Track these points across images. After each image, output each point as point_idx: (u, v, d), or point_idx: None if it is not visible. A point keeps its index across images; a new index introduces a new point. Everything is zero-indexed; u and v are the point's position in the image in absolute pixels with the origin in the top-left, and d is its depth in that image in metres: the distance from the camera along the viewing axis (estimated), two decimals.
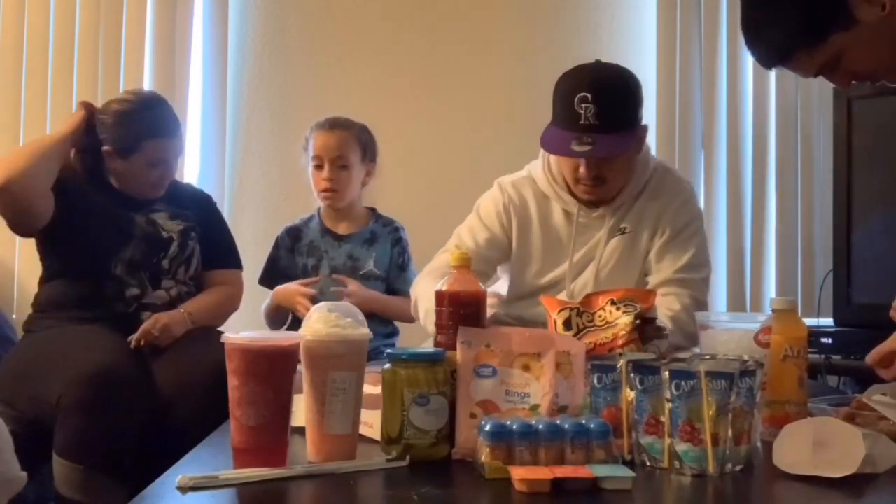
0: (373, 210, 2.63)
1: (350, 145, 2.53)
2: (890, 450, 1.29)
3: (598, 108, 1.99)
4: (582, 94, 2.01)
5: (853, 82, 1.68)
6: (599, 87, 2.03)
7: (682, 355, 1.44)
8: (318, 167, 2.53)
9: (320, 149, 2.52)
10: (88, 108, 2.43)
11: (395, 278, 2.58)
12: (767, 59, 1.69)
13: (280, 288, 2.53)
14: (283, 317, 2.55)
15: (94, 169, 2.44)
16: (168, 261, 2.42)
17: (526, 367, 1.39)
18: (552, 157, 2.18)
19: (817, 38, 1.57)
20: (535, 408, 1.37)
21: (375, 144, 2.62)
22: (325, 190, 2.52)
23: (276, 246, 2.62)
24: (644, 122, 2.16)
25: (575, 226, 2.17)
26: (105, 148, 2.42)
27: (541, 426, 1.25)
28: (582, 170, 2.07)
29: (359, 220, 2.59)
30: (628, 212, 2.17)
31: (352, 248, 2.55)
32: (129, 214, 2.42)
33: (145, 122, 2.42)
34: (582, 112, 2.00)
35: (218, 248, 2.57)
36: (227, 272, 2.56)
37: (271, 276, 2.61)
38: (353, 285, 2.48)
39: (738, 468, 1.28)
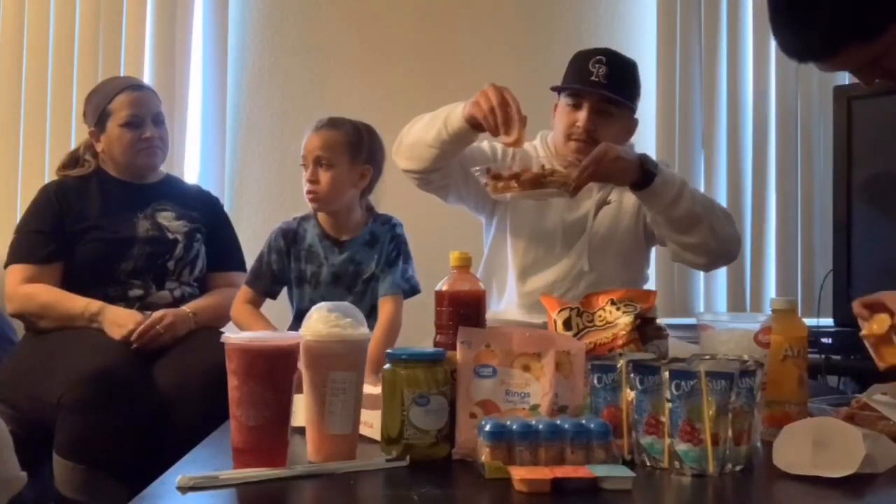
0: (370, 210, 2.54)
1: (335, 145, 2.36)
2: (890, 450, 1.29)
3: (608, 70, 2.20)
4: (597, 57, 2.22)
5: (876, 80, 1.61)
6: (612, 56, 2.25)
7: (682, 356, 1.44)
8: (304, 167, 2.38)
9: (305, 149, 2.38)
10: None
11: (381, 276, 2.38)
12: (807, 53, 1.59)
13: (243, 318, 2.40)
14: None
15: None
16: (173, 262, 2.43)
17: (526, 367, 1.39)
18: (550, 135, 2.33)
19: (874, 32, 1.49)
20: (535, 408, 1.37)
21: (375, 145, 2.44)
22: (308, 192, 2.37)
23: (268, 248, 2.42)
24: (636, 116, 2.34)
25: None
26: (90, 130, 2.49)
27: (541, 426, 1.25)
28: (580, 122, 2.20)
29: (358, 226, 2.46)
30: (613, 188, 2.28)
31: (353, 251, 2.41)
32: (132, 218, 2.42)
33: (108, 86, 2.54)
34: (594, 70, 2.20)
35: (223, 251, 2.57)
36: (231, 274, 2.56)
37: (259, 278, 2.43)
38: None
39: (738, 468, 1.28)
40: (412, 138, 2.17)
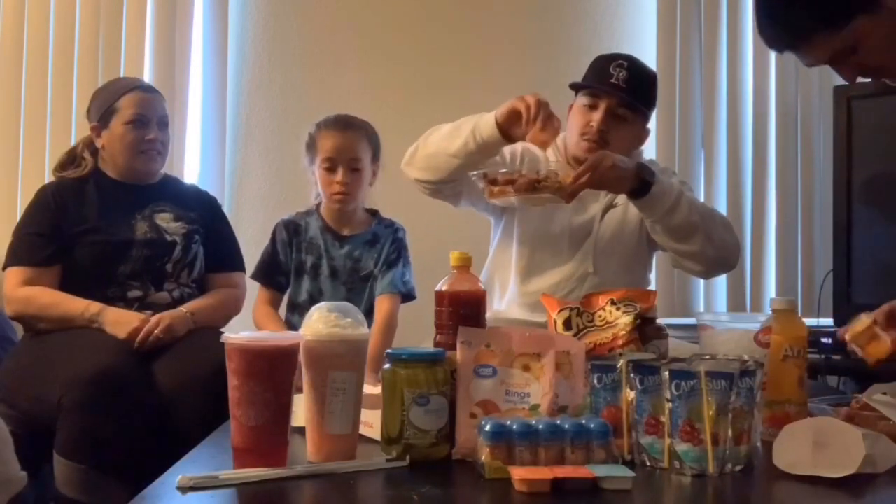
0: (374, 213, 2.58)
1: (363, 146, 2.46)
2: (890, 450, 1.29)
3: (629, 75, 2.22)
4: (619, 61, 2.24)
5: (859, 77, 1.64)
6: (634, 62, 2.28)
7: (682, 356, 1.44)
8: (330, 169, 2.43)
9: (334, 150, 2.42)
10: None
11: (380, 275, 2.46)
12: (781, 40, 1.64)
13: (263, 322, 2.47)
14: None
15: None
16: (171, 264, 2.42)
17: (526, 367, 1.39)
18: (560, 136, 2.31)
19: (840, 20, 1.53)
20: (535, 408, 1.37)
21: (379, 142, 2.54)
22: (338, 193, 2.43)
23: (273, 240, 2.52)
24: (649, 126, 2.36)
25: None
26: (92, 125, 2.48)
27: (541, 426, 1.25)
28: (594, 122, 2.21)
29: (361, 223, 2.52)
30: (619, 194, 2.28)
31: (353, 248, 2.47)
32: (130, 220, 2.42)
33: (117, 84, 2.55)
34: (615, 73, 2.22)
35: (222, 251, 2.57)
36: (230, 275, 2.56)
37: (267, 272, 2.52)
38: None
39: (738, 468, 1.28)
40: (431, 149, 2.16)
